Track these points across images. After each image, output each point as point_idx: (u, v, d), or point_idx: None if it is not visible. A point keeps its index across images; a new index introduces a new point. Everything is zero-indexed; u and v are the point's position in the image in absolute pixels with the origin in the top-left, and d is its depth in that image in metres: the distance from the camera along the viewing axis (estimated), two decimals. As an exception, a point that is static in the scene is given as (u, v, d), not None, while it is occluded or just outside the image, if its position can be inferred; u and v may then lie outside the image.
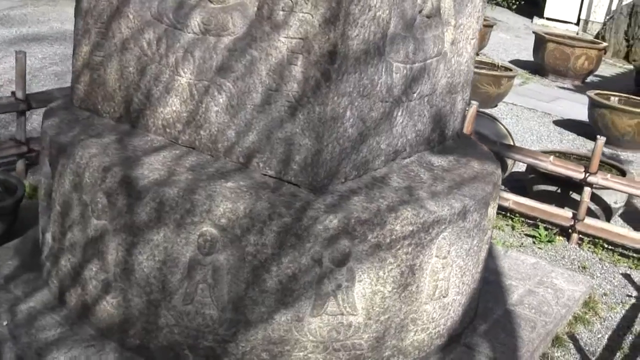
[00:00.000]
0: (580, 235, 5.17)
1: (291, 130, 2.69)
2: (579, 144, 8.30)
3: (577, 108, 10.15)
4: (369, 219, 2.63)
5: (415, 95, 3.13)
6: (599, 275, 4.71)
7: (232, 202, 2.56)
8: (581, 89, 11.66)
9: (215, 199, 2.57)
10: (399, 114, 3.05)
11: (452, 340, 3.19)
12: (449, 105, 3.46)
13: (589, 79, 12.48)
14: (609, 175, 5.04)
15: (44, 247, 3.15)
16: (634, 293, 4.52)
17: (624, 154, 8.08)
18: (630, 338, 3.95)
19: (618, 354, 3.78)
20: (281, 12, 2.62)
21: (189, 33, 2.88)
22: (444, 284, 2.97)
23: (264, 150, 2.77)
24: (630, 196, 5.70)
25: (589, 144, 8.28)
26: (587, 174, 4.95)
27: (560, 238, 5.23)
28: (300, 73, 2.63)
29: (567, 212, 5.22)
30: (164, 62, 2.96)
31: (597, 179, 4.94)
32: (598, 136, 5.10)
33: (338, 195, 2.72)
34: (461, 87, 3.55)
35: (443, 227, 2.84)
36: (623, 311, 4.26)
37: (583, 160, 5.97)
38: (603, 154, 7.99)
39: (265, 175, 2.79)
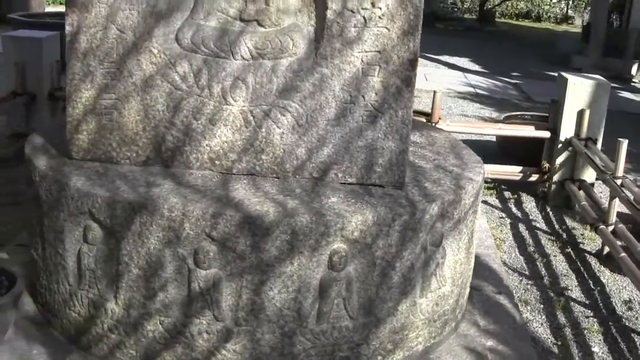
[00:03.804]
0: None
1: (372, 137, 2.86)
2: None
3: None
4: (455, 200, 2.95)
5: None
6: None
7: (361, 214, 2.68)
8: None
9: (345, 215, 2.65)
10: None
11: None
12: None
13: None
14: (448, 121, 5.85)
15: (101, 320, 2.83)
16: (495, 213, 5.44)
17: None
18: (533, 249, 4.83)
19: (538, 263, 4.63)
20: (353, 29, 2.75)
21: (237, 60, 2.83)
22: (476, 240, 3.42)
23: (342, 160, 2.90)
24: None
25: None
26: (434, 124, 5.67)
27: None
28: (379, 83, 2.80)
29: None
30: (205, 93, 2.86)
31: (443, 125, 5.70)
32: (434, 91, 5.84)
33: (415, 186, 2.98)
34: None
35: (480, 190, 3.27)
36: (508, 230, 5.13)
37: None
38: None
39: (344, 183, 2.91)
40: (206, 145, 2.92)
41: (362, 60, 2.79)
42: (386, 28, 2.75)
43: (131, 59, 2.86)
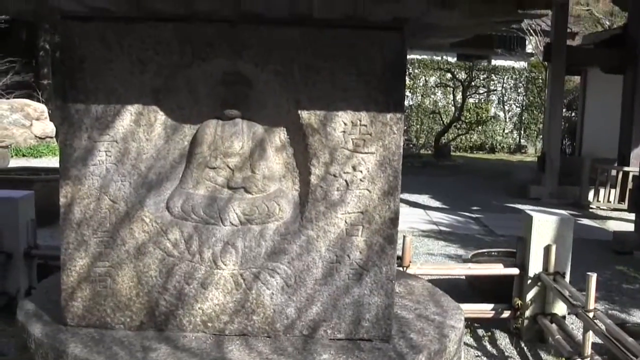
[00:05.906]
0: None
1: (359, 294, 2.98)
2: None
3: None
4: (440, 349, 3.04)
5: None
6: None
7: (355, 372, 2.75)
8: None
9: (341, 374, 2.73)
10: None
11: None
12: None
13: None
14: (418, 264, 6.01)
15: None
16: (471, 352, 5.51)
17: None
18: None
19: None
20: (336, 192, 2.94)
21: (226, 226, 2.98)
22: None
23: (330, 317, 2.99)
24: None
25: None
26: (405, 268, 5.82)
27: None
28: (363, 242, 2.96)
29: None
30: (197, 258, 2.98)
31: (414, 269, 5.85)
32: (404, 235, 6.03)
33: (401, 337, 3.08)
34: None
35: (462, 336, 3.37)
36: (488, 369, 5.20)
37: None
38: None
39: (334, 339, 3.00)
40: (198, 308, 3.01)
41: (345, 222, 2.95)
42: (367, 190, 2.94)
43: (124, 228, 2.99)
